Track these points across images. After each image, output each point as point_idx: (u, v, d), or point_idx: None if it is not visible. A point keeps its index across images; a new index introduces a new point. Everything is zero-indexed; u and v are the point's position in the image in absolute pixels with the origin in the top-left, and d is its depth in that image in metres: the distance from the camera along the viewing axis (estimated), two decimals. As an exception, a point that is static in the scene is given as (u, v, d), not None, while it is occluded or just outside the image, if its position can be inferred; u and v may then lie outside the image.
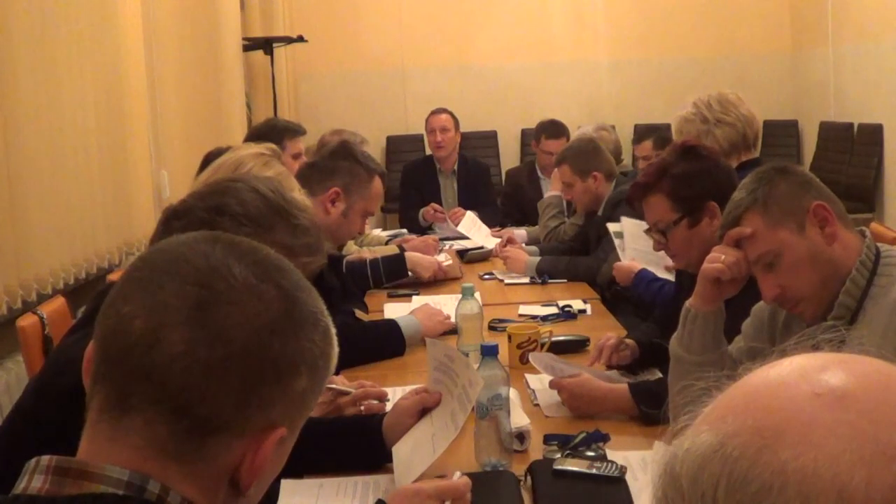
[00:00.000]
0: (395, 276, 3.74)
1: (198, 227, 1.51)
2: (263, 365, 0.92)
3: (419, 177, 5.88)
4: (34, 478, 0.91)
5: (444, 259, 4.10)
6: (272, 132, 3.67)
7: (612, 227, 3.70)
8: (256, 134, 3.74)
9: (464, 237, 4.85)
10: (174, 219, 1.62)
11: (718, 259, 2.00)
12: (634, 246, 3.42)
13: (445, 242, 4.78)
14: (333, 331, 1.01)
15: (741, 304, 2.18)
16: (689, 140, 2.81)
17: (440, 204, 5.74)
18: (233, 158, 2.38)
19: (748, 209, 1.93)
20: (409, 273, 3.80)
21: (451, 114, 5.87)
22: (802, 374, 0.60)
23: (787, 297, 1.91)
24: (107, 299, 0.97)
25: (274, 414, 0.94)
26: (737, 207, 1.96)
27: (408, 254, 3.89)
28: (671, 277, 3.20)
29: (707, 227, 2.50)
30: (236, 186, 1.66)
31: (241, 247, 0.98)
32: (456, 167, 5.85)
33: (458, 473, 1.68)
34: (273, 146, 2.48)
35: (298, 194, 1.86)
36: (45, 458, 0.92)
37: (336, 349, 1.01)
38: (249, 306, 0.93)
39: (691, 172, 2.53)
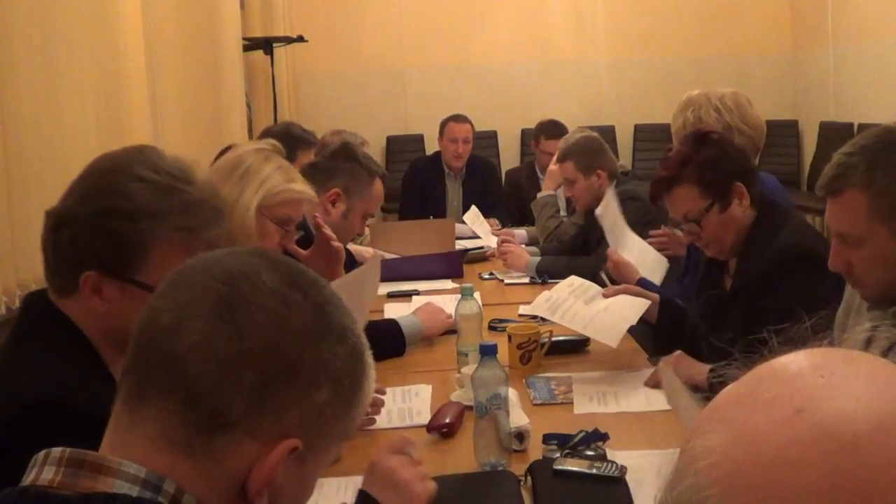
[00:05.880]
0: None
1: (89, 235, 1.43)
2: (280, 366, 0.92)
3: (426, 176, 5.85)
4: (45, 469, 0.90)
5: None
6: (287, 138, 3.56)
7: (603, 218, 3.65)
8: (270, 135, 3.64)
9: (465, 237, 4.83)
10: (62, 226, 1.47)
11: None
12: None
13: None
14: (369, 356, 0.99)
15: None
16: (700, 128, 2.82)
17: (444, 205, 5.72)
18: (233, 157, 2.38)
19: (856, 186, 1.78)
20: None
21: (471, 122, 5.84)
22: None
23: (851, 274, 1.86)
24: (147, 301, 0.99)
25: (288, 422, 0.92)
26: (845, 175, 1.80)
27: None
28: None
29: (737, 209, 2.52)
30: (116, 179, 1.49)
31: (276, 260, 1.00)
32: (464, 169, 5.84)
33: None
34: (274, 142, 2.47)
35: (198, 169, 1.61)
36: (57, 450, 0.91)
37: (371, 377, 0.99)
38: (274, 310, 0.93)
39: (714, 157, 2.54)
